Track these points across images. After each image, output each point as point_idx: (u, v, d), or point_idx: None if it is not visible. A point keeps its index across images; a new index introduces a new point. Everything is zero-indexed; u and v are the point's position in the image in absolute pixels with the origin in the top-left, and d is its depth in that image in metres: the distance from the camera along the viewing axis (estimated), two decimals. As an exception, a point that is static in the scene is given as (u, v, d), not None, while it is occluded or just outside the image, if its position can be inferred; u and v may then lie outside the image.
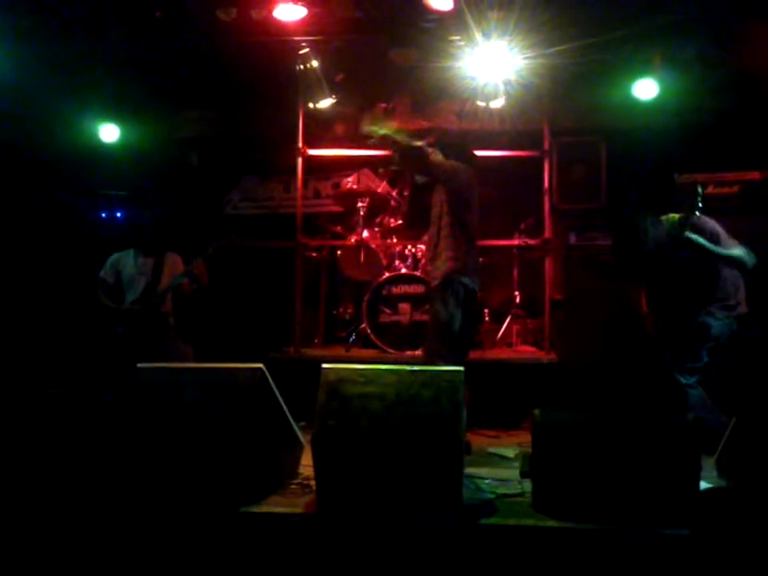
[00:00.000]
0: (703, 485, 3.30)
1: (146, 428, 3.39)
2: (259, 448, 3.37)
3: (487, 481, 3.69)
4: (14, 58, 5.22)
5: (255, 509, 3.22)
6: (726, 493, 3.32)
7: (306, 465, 3.60)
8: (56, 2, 5.01)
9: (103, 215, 6.54)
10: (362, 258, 5.96)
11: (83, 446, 3.43)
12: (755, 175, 5.40)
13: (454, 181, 4.59)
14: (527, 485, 3.41)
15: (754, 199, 5.34)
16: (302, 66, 5.69)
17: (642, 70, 5.62)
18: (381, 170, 6.61)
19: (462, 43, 5.32)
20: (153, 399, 3.44)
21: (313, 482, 3.35)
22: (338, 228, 6.43)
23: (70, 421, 3.50)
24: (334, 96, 5.90)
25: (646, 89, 5.66)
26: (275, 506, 3.28)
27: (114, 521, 3.16)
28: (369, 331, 5.74)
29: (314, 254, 6.34)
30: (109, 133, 6.33)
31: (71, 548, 3.13)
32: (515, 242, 6.15)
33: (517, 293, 6.22)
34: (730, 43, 5.36)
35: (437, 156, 4.68)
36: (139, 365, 3.57)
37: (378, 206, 6.35)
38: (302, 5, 5.11)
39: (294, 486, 3.56)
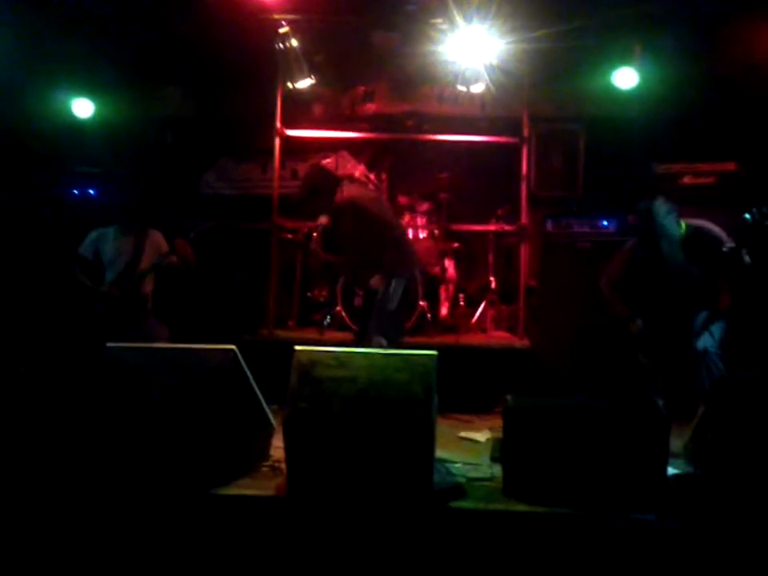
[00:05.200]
0: (671, 470, 3.34)
1: (115, 408, 3.34)
2: (230, 430, 3.35)
3: (458, 465, 3.70)
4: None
5: (225, 491, 3.20)
6: (693, 479, 3.36)
7: (278, 447, 3.58)
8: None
9: (75, 192, 6.42)
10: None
11: (50, 425, 3.39)
12: (731, 166, 5.45)
13: None
14: (497, 469, 3.43)
15: (730, 190, 5.38)
16: (281, 45, 5.61)
17: (622, 59, 5.63)
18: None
19: (444, 26, 5.29)
20: (122, 379, 3.40)
21: (284, 465, 3.34)
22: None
23: (37, 400, 3.45)
24: (313, 77, 5.83)
25: (625, 78, 5.67)
26: (245, 488, 3.26)
27: (80, 502, 3.12)
28: (343, 314, 5.73)
29: (290, 236, 6.29)
30: (82, 108, 6.22)
31: (38, 529, 3.10)
32: (492, 227, 6.16)
33: (492, 278, 6.23)
34: (709, 35, 5.38)
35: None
36: (108, 344, 3.53)
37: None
38: (283, -18, 5.05)
39: (264, 469, 3.55)
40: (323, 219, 4.95)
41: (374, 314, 4.68)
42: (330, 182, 4.89)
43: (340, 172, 6.35)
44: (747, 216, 3.91)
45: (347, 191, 4.83)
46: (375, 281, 4.72)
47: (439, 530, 3.05)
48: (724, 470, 3.12)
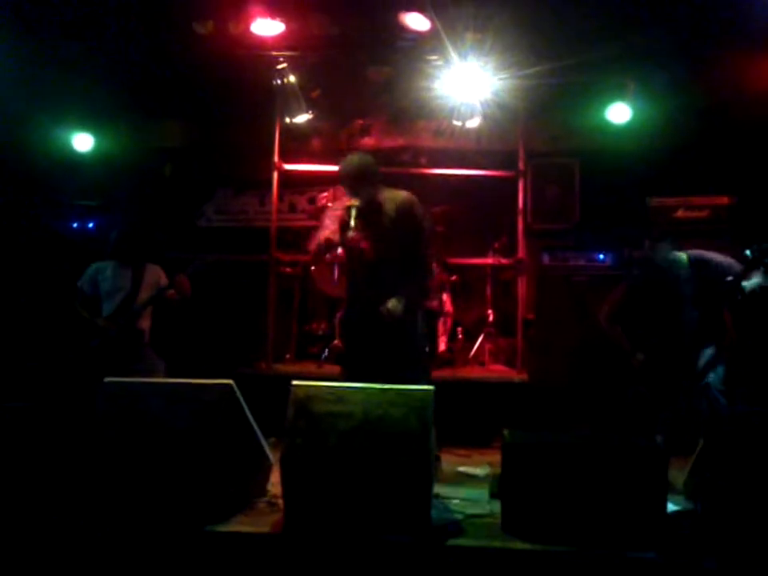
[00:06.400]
0: (672, 507, 3.31)
1: (110, 444, 3.33)
2: (226, 465, 3.33)
3: (456, 501, 3.66)
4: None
5: (221, 528, 3.16)
6: (693, 516, 3.33)
7: (275, 482, 3.55)
8: (30, 8, 4.95)
9: (74, 225, 6.45)
10: (336, 274, 5.94)
11: (45, 460, 3.36)
12: (724, 200, 5.50)
13: None
14: (496, 505, 3.40)
15: (723, 223, 5.43)
16: (279, 81, 5.69)
17: (616, 95, 5.73)
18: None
19: (439, 63, 5.36)
20: (118, 414, 3.38)
21: (281, 501, 3.31)
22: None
23: (32, 436, 3.42)
24: (310, 112, 5.89)
25: (619, 113, 5.77)
26: (241, 525, 3.22)
27: (74, 538, 3.09)
28: (341, 347, 5.72)
29: (288, 269, 6.31)
30: (83, 142, 6.28)
31: (33, 564, 3.06)
32: (489, 260, 6.19)
33: (490, 311, 6.24)
34: (701, 70, 5.46)
35: None
36: (106, 379, 3.51)
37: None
38: (280, 20, 5.12)
39: (261, 505, 3.50)
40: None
41: (400, 354, 4.04)
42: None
43: (337, 206, 6.41)
44: (747, 252, 3.93)
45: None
46: (394, 307, 3.96)
47: (437, 568, 3.01)
48: (723, 507, 3.10)
